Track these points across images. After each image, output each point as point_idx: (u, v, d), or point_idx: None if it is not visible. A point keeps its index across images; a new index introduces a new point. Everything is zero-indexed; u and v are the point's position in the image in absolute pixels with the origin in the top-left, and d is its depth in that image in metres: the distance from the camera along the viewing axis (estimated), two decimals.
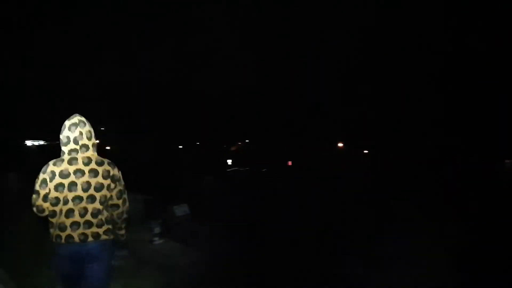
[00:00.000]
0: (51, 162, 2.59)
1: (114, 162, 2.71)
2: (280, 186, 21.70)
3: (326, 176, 25.07)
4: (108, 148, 45.05)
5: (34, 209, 2.59)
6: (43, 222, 2.72)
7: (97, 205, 2.58)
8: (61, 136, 2.65)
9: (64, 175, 2.54)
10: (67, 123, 2.65)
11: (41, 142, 50.48)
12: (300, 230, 9.12)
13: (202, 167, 32.92)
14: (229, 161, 44.35)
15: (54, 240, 2.59)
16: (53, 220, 2.58)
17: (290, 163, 40.54)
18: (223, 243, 7.46)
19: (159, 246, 6.56)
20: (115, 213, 2.74)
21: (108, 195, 2.63)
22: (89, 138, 2.66)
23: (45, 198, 2.55)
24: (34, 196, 2.57)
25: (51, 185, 2.53)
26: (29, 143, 48.85)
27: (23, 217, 5.45)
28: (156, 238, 6.70)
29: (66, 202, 2.53)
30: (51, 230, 2.59)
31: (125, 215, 2.81)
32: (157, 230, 6.77)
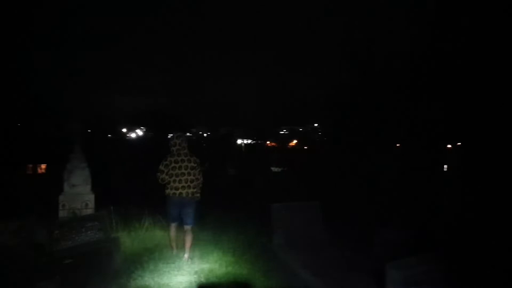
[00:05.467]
0: (168, 155, 5.99)
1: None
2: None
3: None
4: (305, 147, 43.97)
5: (159, 180, 5.94)
6: (163, 186, 6.04)
7: (191, 177, 5.99)
8: (171, 142, 6.03)
9: (175, 161, 5.95)
10: (174, 135, 6.15)
11: (249, 141, 54.57)
12: None
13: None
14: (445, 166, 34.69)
15: (168, 194, 5.99)
16: (168, 185, 5.95)
17: None
18: None
19: None
20: (197, 182, 6.08)
21: (196, 172, 6.04)
22: (185, 143, 6.03)
23: (166, 174, 5.90)
24: (158, 173, 5.92)
25: (170, 167, 5.93)
26: (239, 141, 53.54)
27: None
28: None
29: (177, 175, 5.89)
30: (167, 190, 5.99)
31: (201, 184, 6.18)
32: None
